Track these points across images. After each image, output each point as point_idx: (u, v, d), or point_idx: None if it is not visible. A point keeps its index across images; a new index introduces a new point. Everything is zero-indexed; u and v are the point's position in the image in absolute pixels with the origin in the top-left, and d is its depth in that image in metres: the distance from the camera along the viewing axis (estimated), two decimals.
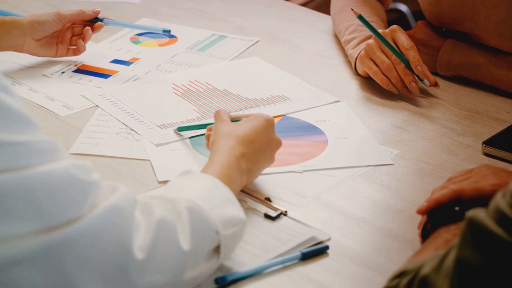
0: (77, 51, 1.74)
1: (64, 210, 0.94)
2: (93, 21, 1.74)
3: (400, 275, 0.99)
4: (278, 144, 1.32)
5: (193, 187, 1.13)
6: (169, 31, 1.70)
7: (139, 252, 0.99)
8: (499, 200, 0.87)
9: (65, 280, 0.95)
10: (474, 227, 0.87)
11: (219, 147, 1.25)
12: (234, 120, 1.34)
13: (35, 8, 1.95)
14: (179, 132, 1.49)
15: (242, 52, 1.81)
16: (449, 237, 1.10)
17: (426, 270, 0.93)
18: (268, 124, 1.31)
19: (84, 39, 1.72)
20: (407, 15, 3.01)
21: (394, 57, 1.59)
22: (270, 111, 1.57)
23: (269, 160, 1.32)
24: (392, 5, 2.88)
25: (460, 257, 0.88)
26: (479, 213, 0.88)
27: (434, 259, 0.93)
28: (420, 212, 1.20)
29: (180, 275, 1.05)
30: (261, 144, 1.29)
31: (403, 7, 3.02)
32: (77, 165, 0.97)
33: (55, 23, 1.70)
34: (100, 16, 1.75)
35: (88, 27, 1.71)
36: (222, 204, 1.11)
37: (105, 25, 1.73)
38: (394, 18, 2.91)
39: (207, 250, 1.08)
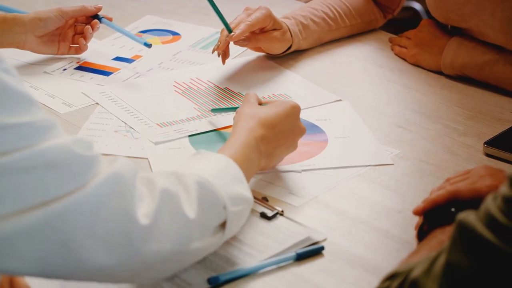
0: (79, 50, 1.73)
1: (66, 183, 0.95)
2: (96, 17, 1.74)
3: (391, 277, 0.97)
4: (301, 131, 1.33)
5: (204, 165, 1.13)
6: (150, 45, 1.69)
7: (144, 218, 1.00)
8: (489, 204, 0.86)
9: (70, 249, 0.95)
10: (464, 230, 0.86)
11: (239, 127, 1.26)
12: (262, 105, 1.35)
13: (39, 5, 1.95)
14: (213, 114, 1.52)
15: (245, 50, 1.80)
16: (444, 238, 1.08)
17: (416, 273, 0.92)
18: (294, 111, 1.32)
19: (86, 37, 1.71)
20: (421, 13, 2.99)
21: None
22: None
23: (291, 147, 1.33)
24: (406, 3, 2.86)
25: (449, 261, 0.87)
26: (469, 216, 0.87)
27: (425, 262, 0.92)
28: (416, 213, 1.18)
29: (186, 244, 1.05)
30: (283, 129, 1.29)
31: (416, 5, 3.00)
32: (77, 140, 0.98)
33: (57, 19, 1.69)
34: (102, 13, 1.75)
35: (88, 26, 1.70)
36: (231, 181, 1.12)
37: (100, 24, 1.72)
38: (408, 16, 2.90)
39: (214, 224, 1.09)
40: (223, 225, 1.11)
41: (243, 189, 1.14)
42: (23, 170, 0.92)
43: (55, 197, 0.94)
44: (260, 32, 1.66)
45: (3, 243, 0.92)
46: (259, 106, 1.33)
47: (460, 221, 0.87)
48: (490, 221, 0.85)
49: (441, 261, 0.88)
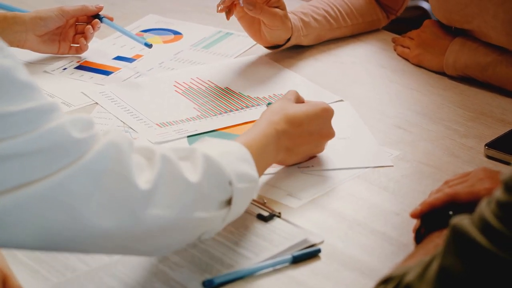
0: (79, 49, 1.73)
1: (62, 159, 0.95)
2: (97, 17, 1.73)
3: (386, 281, 0.96)
4: (330, 135, 1.34)
5: (213, 146, 1.14)
6: (151, 45, 1.69)
7: (144, 183, 1.00)
8: (483, 208, 0.85)
9: (72, 216, 0.96)
10: (458, 235, 0.85)
11: (262, 119, 1.27)
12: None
13: (41, 3, 1.94)
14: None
15: (247, 49, 1.79)
16: (440, 242, 1.07)
17: (410, 277, 0.91)
18: (325, 113, 1.33)
19: (86, 37, 1.71)
20: (429, 13, 2.98)
21: None
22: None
23: (317, 147, 1.35)
24: (415, 2, 2.85)
25: (443, 266, 0.86)
26: (463, 221, 0.86)
27: (419, 266, 0.91)
28: (413, 215, 1.17)
29: (189, 212, 1.04)
30: (310, 128, 1.30)
31: (425, 4, 2.99)
32: (75, 120, 0.98)
33: (58, 19, 1.69)
34: (104, 12, 1.74)
35: (89, 26, 1.70)
36: (238, 160, 1.12)
37: (101, 23, 1.72)
38: (417, 15, 2.89)
39: (220, 198, 1.09)
40: (229, 202, 1.10)
41: (249, 168, 1.14)
42: (26, 153, 0.93)
43: (54, 170, 0.94)
44: (265, 3, 1.64)
45: (5, 216, 0.93)
46: (292, 103, 1.33)
47: (454, 225, 0.86)
48: (484, 226, 0.83)
49: (434, 265, 0.87)
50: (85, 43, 1.72)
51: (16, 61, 0.96)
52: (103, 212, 0.97)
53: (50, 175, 0.94)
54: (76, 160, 0.96)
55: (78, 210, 0.96)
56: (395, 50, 1.79)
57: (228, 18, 1.63)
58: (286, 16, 1.66)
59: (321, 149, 1.36)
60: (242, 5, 1.60)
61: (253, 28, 1.67)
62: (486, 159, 1.41)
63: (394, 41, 1.82)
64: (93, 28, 1.71)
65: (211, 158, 1.08)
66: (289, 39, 1.70)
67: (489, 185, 1.14)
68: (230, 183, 1.10)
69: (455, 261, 0.85)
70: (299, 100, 1.36)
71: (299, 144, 1.31)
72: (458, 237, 0.85)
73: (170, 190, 1.02)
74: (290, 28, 1.68)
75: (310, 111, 1.31)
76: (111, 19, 1.75)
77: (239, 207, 1.13)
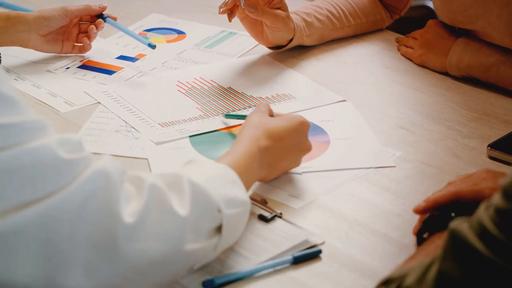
0: (82, 49, 1.73)
1: (49, 184, 0.93)
2: (100, 17, 1.73)
3: (386, 283, 0.96)
4: (307, 149, 1.31)
5: (197, 170, 1.11)
6: (154, 46, 1.68)
7: (129, 217, 0.97)
8: (482, 213, 0.85)
9: (55, 248, 0.93)
10: (456, 240, 0.85)
11: (244, 135, 1.24)
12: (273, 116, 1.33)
13: (45, 3, 1.94)
14: (226, 118, 1.51)
15: (250, 49, 1.79)
16: (441, 244, 1.07)
17: (409, 280, 0.90)
18: (302, 127, 1.30)
19: (90, 37, 1.71)
20: (435, 12, 2.97)
21: None
22: (274, 109, 1.54)
23: (295, 162, 1.32)
24: (420, 2, 2.85)
25: (441, 270, 0.86)
26: (461, 225, 0.86)
27: (418, 269, 0.90)
28: (417, 211, 1.17)
29: (179, 245, 1.02)
30: (289, 143, 1.28)
31: (431, 4, 2.98)
32: (63, 141, 0.96)
33: (61, 18, 1.69)
34: (108, 12, 1.74)
35: (93, 26, 1.70)
36: (225, 184, 1.10)
37: (105, 23, 1.72)
38: (423, 14, 2.88)
39: (209, 227, 1.06)
40: (219, 230, 1.08)
41: (238, 191, 1.12)
42: (7, 170, 0.91)
43: (38, 196, 0.92)
44: (267, 5, 1.64)
45: None
46: (268, 117, 1.31)
47: (452, 230, 0.86)
48: (482, 232, 0.83)
49: (433, 269, 0.87)
50: (88, 42, 1.72)
51: (3, 77, 0.94)
52: (86, 245, 0.95)
53: (34, 201, 0.92)
54: (61, 188, 0.94)
55: (61, 242, 0.93)
56: (398, 50, 1.79)
57: (230, 20, 1.63)
58: (288, 17, 1.66)
59: (298, 164, 1.33)
60: (243, 7, 1.60)
61: (256, 29, 1.67)
62: (489, 160, 1.41)
63: (397, 41, 1.82)
64: (97, 27, 1.71)
65: (198, 186, 1.06)
66: (291, 40, 1.70)
67: (492, 184, 1.14)
68: (219, 210, 1.07)
69: (453, 266, 0.85)
70: (271, 113, 1.34)
71: (280, 159, 1.28)
72: (456, 242, 0.85)
73: (158, 223, 1.00)
74: (292, 28, 1.68)
75: (290, 126, 1.28)
76: (114, 18, 1.75)
77: (231, 233, 1.11)
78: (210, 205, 1.06)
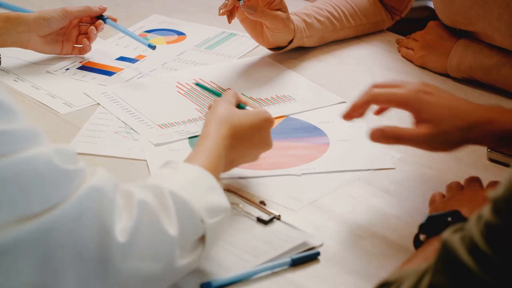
0: (82, 50, 1.73)
1: (45, 197, 0.93)
2: (100, 18, 1.73)
3: (382, 286, 0.96)
4: (268, 146, 1.29)
5: (176, 177, 1.10)
6: (155, 47, 1.68)
7: (121, 235, 0.97)
8: (473, 227, 0.85)
9: (48, 267, 0.93)
10: (447, 253, 0.86)
11: (211, 130, 1.21)
12: (241, 105, 1.30)
13: (46, 4, 1.94)
14: (196, 86, 1.58)
15: (250, 50, 1.79)
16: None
17: None
18: (267, 124, 1.28)
19: (90, 38, 1.71)
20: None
21: None
22: (273, 111, 1.54)
23: (254, 158, 1.29)
24: (423, 3, 2.84)
25: (432, 283, 0.87)
26: (453, 238, 0.86)
27: (413, 277, 0.90)
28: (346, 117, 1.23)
29: (171, 263, 1.02)
30: (252, 141, 1.26)
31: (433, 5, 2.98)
32: (60, 151, 0.96)
33: (61, 19, 1.68)
34: (108, 12, 1.74)
35: (93, 27, 1.70)
36: (206, 192, 1.09)
37: (105, 24, 1.72)
38: (425, 15, 2.88)
39: (193, 239, 1.06)
40: (201, 238, 1.07)
41: (219, 197, 1.10)
42: (1, 179, 0.91)
43: (32, 213, 0.92)
44: (267, 6, 1.64)
45: None
46: (234, 109, 1.27)
47: (444, 242, 0.86)
48: (471, 247, 0.84)
49: (426, 280, 0.88)
50: (88, 43, 1.71)
51: None
52: (79, 264, 0.95)
53: (28, 217, 0.91)
54: (56, 205, 0.93)
55: (54, 260, 0.93)
56: (399, 51, 1.79)
57: (229, 21, 1.63)
58: (288, 18, 1.65)
59: (256, 160, 1.30)
60: (242, 9, 1.60)
61: (256, 30, 1.67)
62: (489, 162, 1.40)
63: (398, 42, 1.81)
64: (97, 29, 1.71)
65: (181, 198, 1.05)
66: (291, 41, 1.70)
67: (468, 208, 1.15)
68: (202, 221, 1.06)
69: (443, 280, 0.85)
70: (238, 101, 1.30)
71: (241, 156, 1.26)
72: (447, 256, 0.85)
73: (150, 242, 1.00)
74: (292, 30, 1.67)
75: (255, 123, 1.25)
76: (114, 20, 1.75)
77: (214, 241, 1.10)
78: (194, 218, 1.05)
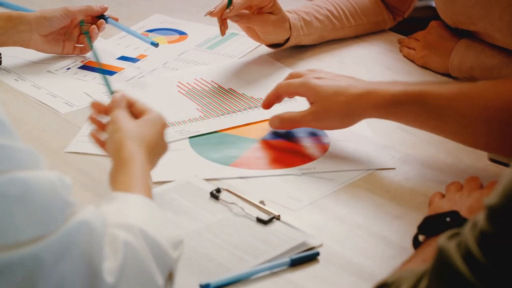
0: (83, 50, 1.73)
1: (38, 224, 0.91)
2: (102, 17, 1.73)
3: (380, 287, 0.96)
4: (166, 149, 1.27)
5: (131, 211, 1.06)
6: (157, 44, 1.68)
7: (108, 275, 0.95)
8: (468, 233, 0.84)
9: None
10: (443, 260, 0.85)
11: (133, 153, 1.17)
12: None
13: (47, 3, 1.94)
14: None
15: (252, 50, 1.79)
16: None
17: None
18: (165, 129, 1.27)
19: (91, 37, 1.70)
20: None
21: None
22: (274, 111, 1.54)
23: (155, 165, 1.26)
24: (425, 2, 2.84)
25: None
26: (449, 244, 0.86)
27: (411, 279, 0.90)
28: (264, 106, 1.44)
29: None
30: (159, 149, 1.25)
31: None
32: (61, 179, 0.95)
33: (63, 18, 1.69)
34: (110, 12, 1.74)
35: (94, 26, 1.70)
36: (162, 226, 1.07)
37: (107, 23, 1.72)
38: (428, 15, 2.88)
39: (166, 276, 1.04)
40: (170, 274, 1.06)
41: (172, 229, 1.09)
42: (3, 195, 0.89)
43: (26, 238, 0.90)
44: (257, 12, 1.64)
45: None
46: (135, 121, 1.23)
47: (440, 248, 0.86)
48: (467, 255, 0.83)
49: (423, 284, 0.88)
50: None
51: None
52: None
53: (18, 244, 0.89)
54: (46, 235, 0.91)
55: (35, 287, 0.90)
56: (400, 51, 1.78)
57: (222, 34, 1.64)
58: (280, 20, 1.65)
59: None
60: (224, 16, 1.61)
61: (251, 30, 1.68)
62: (489, 162, 1.40)
63: (400, 42, 1.81)
64: (98, 28, 1.71)
65: (153, 239, 1.02)
66: (288, 41, 1.70)
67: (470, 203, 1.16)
68: (170, 258, 1.04)
69: (438, 285, 0.85)
70: (129, 103, 1.27)
71: (152, 167, 1.23)
72: (443, 263, 0.85)
73: (136, 282, 0.98)
74: (287, 29, 1.68)
75: (158, 131, 1.23)
76: (116, 19, 1.75)
77: (174, 276, 1.08)
78: (164, 254, 1.03)
